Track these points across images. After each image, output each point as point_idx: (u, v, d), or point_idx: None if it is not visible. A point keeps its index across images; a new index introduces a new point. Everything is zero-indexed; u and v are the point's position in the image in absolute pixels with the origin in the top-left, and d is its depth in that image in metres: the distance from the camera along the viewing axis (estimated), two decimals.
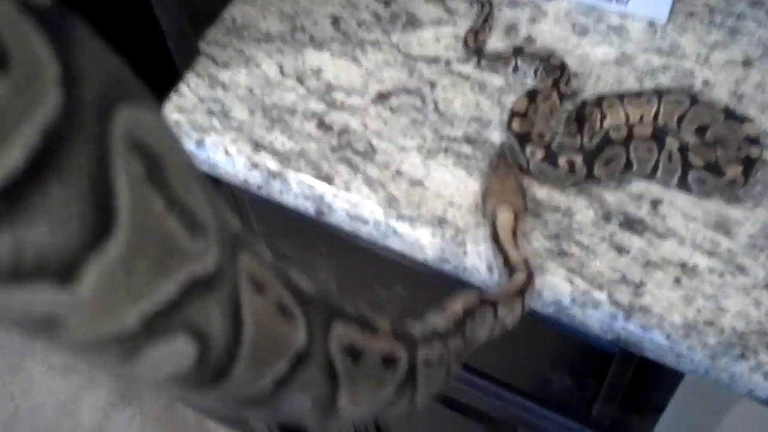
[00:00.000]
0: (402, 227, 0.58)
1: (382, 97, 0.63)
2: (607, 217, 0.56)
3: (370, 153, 0.60)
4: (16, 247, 0.16)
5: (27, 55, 0.16)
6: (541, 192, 0.58)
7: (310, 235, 0.70)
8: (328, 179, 0.59)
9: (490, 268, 0.56)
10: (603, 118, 0.59)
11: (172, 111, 0.63)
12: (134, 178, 0.19)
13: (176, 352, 0.23)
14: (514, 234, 0.54)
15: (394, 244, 0.59)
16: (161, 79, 0.65)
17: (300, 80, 0.64)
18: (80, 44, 0.18)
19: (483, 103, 0.63)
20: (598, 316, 0.53)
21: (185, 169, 0.22)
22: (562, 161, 0.56)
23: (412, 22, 0.68)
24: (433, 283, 0.65)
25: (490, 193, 0.57)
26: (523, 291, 0.50)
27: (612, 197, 0.57)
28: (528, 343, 0.69)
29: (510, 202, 0.55)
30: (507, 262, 0.52)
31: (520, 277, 0.51)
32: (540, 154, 0.56)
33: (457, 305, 0.45)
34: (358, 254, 0.66)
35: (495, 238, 0.54)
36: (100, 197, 0.18)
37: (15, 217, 0.16)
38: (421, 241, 0.57)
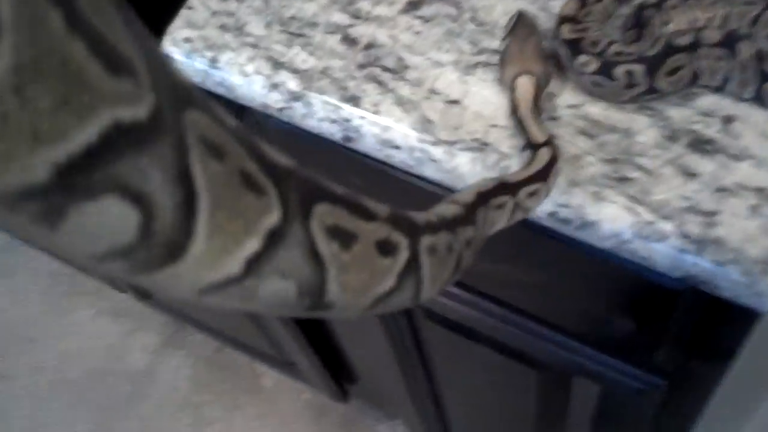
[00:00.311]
0: (438, 153, 0.51)
1: (412, 6, 0.56)
2: (672, 137, 0.49)
3: (400, 70, 0.53)
4: None
5: None
6: (595, 109, 0.50)
7: (340, 164, 0.64)
8: (355, 100, 0.53)
9: None
10: (665, 22, 0.51)
11: (183, 27, 0.57)
12: None
13: (112, 217, 0.19)
14: (536, 105, 0.48)
15: (430, 172, 0.52)
16: None
17: None
18: None
19: (526, 8, 0.55)
20: (663, 251, 0.46)
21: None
22: (619, 72, 0.48)
23: None
24: None
25: (508, 59, 0.50)
26: (546, 172, 0.44)
27: (677, 114, 0.49)
28: (582, 281, 0.63)
29: (530, 70, 0.49)
30: (527, 140, 0.46)
31: (542, 156, 0.45)
32: (594, 64, 0.49)
33: (469, 191, 0.40)
34: (392, 184, 0.60)
35: (514, 112, 0.48)
36: None
37: None
38: (459, 168, 0.51)
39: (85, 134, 0.17)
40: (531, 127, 0.47)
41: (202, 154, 0.21)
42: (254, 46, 0.55)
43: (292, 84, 0.54)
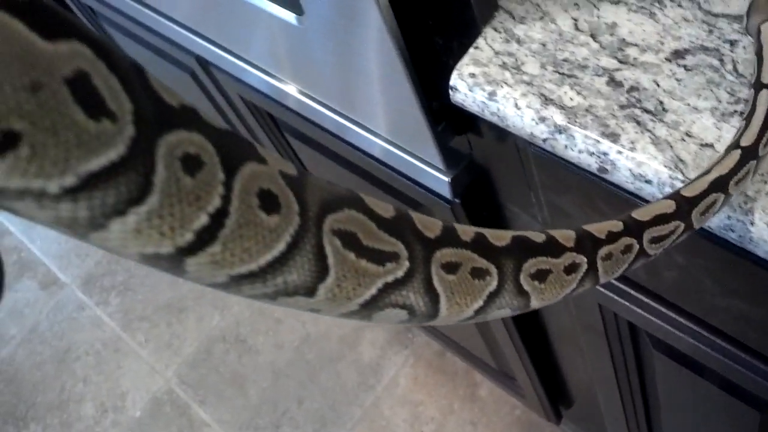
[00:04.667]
0: None
1: (677, 55, 0.62)
2: None
3: (659, 112, 0.59)
4: None
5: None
6: None
7: (589, 192, 0.71)
8: (614, 137, 0.59)
9: None
10: None
11: (469, 64, 0.67)
12: None
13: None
14: None
15: None
16: (461, 33, 0.68)
17: (593, 36, 0.64)
18: None
19: None
20: None
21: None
22: None
23: None
24: (716, 254, 0.63)
25: (755, 8, 0.55)
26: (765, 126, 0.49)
27: None
28: None
29: None
30: (756, 79, 0.51)
31: (761, 103, 0.49)
32: None
33: (654, 207, 0.46)
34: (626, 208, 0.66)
35: (758, 53, 0.53)
36: None
37: None
38: None
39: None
40: (764, 66, 0.51)
41: (338, 245, 0.29)
42: (529, 83, 0.64)
43: (558, 118, 0.62)
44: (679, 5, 0.64)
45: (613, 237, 0.42)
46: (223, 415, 1.99)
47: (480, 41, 0.67)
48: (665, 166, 0.57)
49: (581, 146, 0.61)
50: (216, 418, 1.99)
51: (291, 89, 0.98)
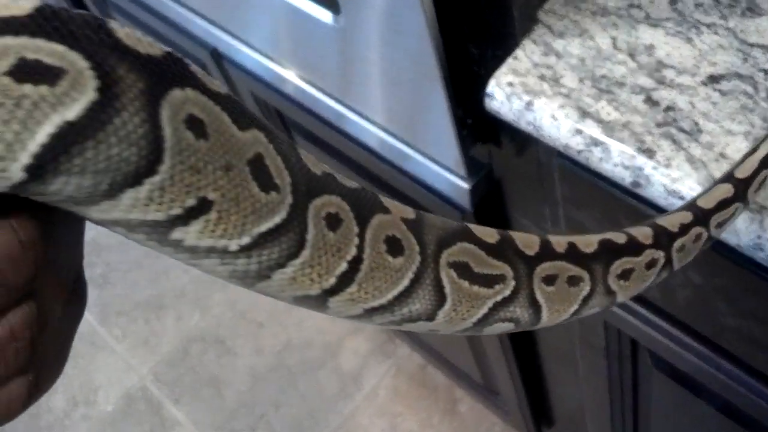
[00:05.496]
0: None
1: (712, 79, 0.63)
2: None
3: (694, 133, 0.61)
4: None
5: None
6: None
7: (612, 207, 0.72)
8: (650, 153, 0.61)
9: None
10: None
11: (507, 73, 0.68)
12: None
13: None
14: None
15: None
16: (497, 43, 0.70)
17: (631, 55, 0.66)
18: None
19: None
20: None
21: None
22: None
23: (752, 9, 0.67)
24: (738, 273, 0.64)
25: None
26: None
27: None
28: None
29: None
30: None
31: None
32: None
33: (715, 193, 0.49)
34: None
35: None
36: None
37: None
38: (737, 225, 0.58)
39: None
40: None
41: (453, 276, 0.33)
42: (566, 96, 0.65)
43: (595, 131, 0.63)
44: (716, 33, 0.66)
45: (685, 229, 0.45)
46: (197, 416, 1.97)
47: (518, 52, 0.69)
48: (699, 184, 0.59)
49: (616, 160, 0.62)
50: (190, 418, 1.97)
51: (306, 86, 0.98)
